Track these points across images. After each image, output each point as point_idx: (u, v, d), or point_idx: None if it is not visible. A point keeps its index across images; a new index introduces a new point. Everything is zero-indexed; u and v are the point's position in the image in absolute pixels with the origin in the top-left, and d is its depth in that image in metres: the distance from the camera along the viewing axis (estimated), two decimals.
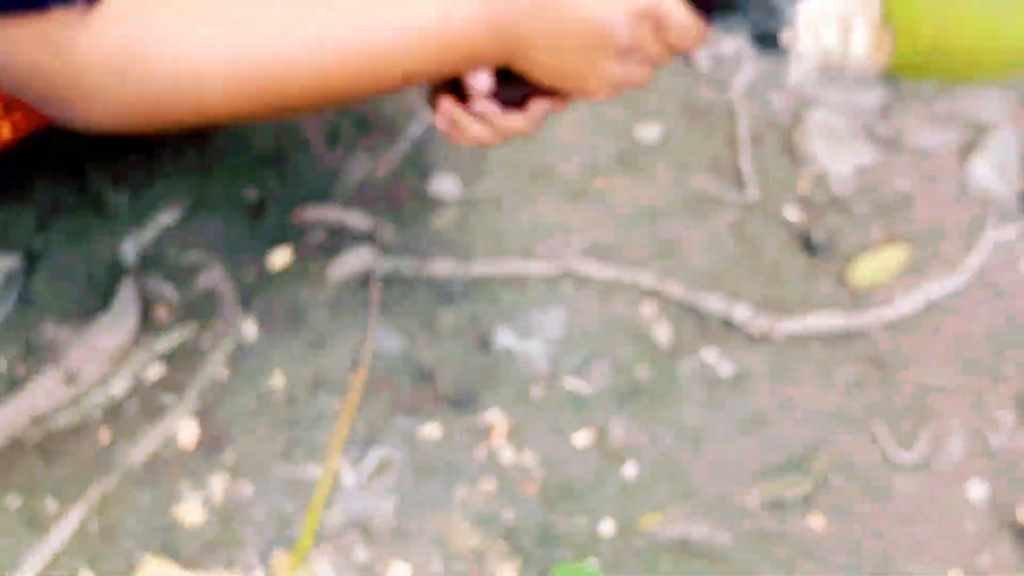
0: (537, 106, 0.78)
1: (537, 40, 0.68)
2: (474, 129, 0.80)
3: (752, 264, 1.21)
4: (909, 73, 0.69)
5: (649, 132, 1.34)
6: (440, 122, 0.82)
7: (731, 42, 1.41)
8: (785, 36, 0.67)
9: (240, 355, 1.10)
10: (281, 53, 0.65)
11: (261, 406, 1.05)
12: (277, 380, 1.08)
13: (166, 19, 0.64)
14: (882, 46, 0.65)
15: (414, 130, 1.31)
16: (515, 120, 0.79)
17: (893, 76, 0.70)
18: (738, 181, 1.30)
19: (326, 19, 0.67)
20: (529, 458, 1.04)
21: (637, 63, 0.70)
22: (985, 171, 1.26)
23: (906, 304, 1.16)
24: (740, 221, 1.26)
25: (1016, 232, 1.23)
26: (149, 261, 1.16)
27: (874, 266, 1.20)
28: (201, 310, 1.13)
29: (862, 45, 0.66)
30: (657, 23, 0.67)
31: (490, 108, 0.78)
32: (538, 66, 0.70)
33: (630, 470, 1.03)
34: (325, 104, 0.71)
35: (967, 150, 1.31)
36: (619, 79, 0.70)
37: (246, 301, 1.14)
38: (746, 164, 1.30)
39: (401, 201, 1.24)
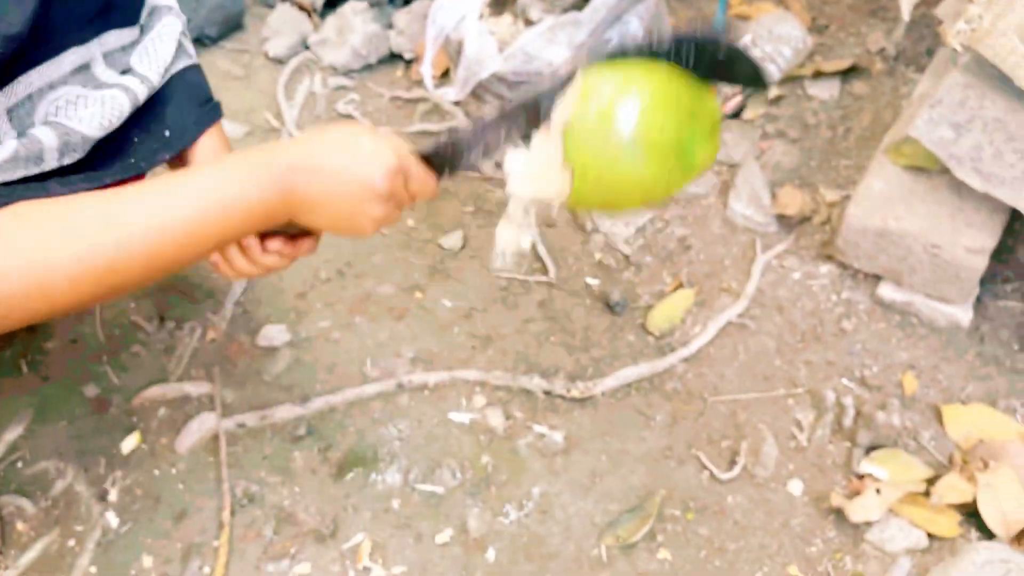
0: (301, 246, 0.96)
1: (315, 198, 0.83)
2: (240, 263, 0.96)
3: (564, 335, 1.33)
4: (581, 207, 0.93)
5: (452, 240, 1.46)
6: (212, 257, 0.97)
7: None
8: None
9: (106, 547, 1.13)
10: (111, 245, 0.76)
11: None
12: (145, 562, 1.12)
13: (12, 229, 0.74)
14: (564, 185, 0.86)
15: (236, 290, 1.40)
16: (272, 257, 0.96)
17: (571, 211, 0.91)
18: (540, 264, 1.43)
19: (139, 209, 0.78)
20: (398, 568, 1.10)
21: (392, 207, 0.87)
22: (741, 205, 1.43)
23: (702, 338, 1.30)
24: (548, 299, 1.38)
25: (782, 251, 1.40)
26: (1, 480, 1.19)
27: (668, 311, 1.33)
28: (61, 515, 1.16)
29: (554, 186, 0.87)
30: (405, 177, 0.87)
31: (254, 245, 0.94)
32: (316, 218, 0.86)
33: (491, 555, 1.11)
34: (157, 276, 0.82)
35: (725, 189, 1.48)
36: (380, 219, 0.87)
37: (103, 494, 1.18)
38: (543, 248, 1.44)
39: (236, 359, 1.32)
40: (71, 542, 1.14)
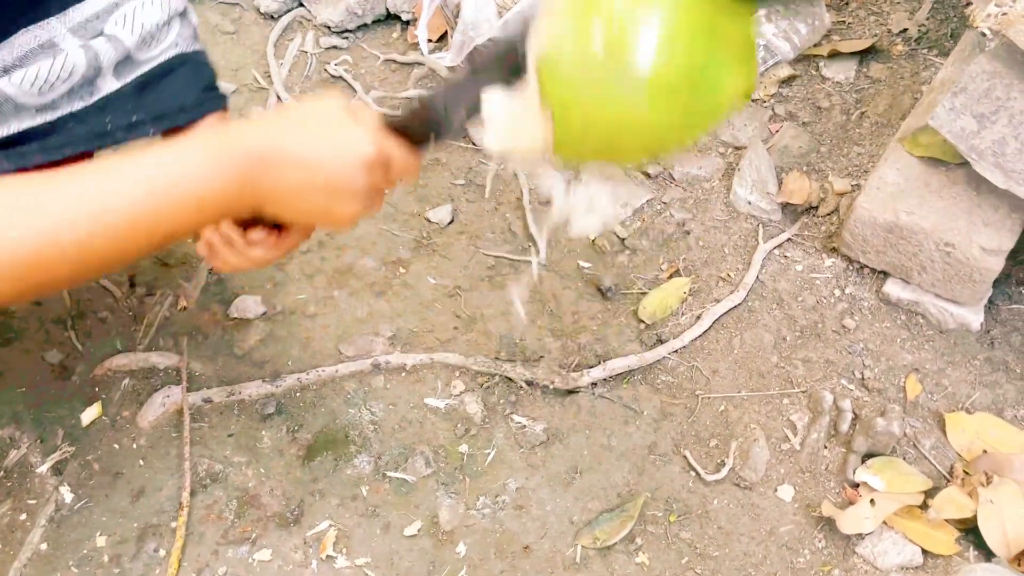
0: (289, 238, 0.86)
1: (283, 192, 0.73)
2: (227, 255, 0.87)
3: (551, 319, 1.26)
4: (573, 155, 0.74)
5: (441, 214, 1.39)
6: (200, 249, 0.89)
7: None
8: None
9: (59, 523, 1.08)
10: (33, 236, 0.65)
11: (83, 572, 1.04)
12: (99, 541, 1.07)
13: None
14: (544, 131, 0.69)
15: None
16: (257, 251, 0.86)
17: (560, 162, 0.76)
18: (531, 243, 1.36)
19: (71, 195, 0.67)
20: (363, 559, 1.05)
21: (372, 198, 0.76)
22: (746, 190, 1.35)
23: (696, 329, 1.23)
24: (537, 281, 1.31)
25: (785, 240, 1.32)
26: None
27: (661, 299, 1.27)
28: (14, 487, 1.11)
29: (531, 134, 0.71)
30: (385, 166, 0.75)
31: (236, 237, 0.85)
32: (285, 211, 0.75)
33: (461, 549, 1.05)
34: (94, 273, 0.72)
35: (730, 173, 1.40)
36: (358, 213, 0.76)
37: (59, 467, 1.12)
38: (534, 226, 1.37)
39: (207, 331, 1.26)
40: (22, 516, 1.09)
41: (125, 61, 0.89)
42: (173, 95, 0.93)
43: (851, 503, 1.07)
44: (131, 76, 0.90)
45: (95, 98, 0.87)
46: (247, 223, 0.86)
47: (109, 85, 0.88)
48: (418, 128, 0.78)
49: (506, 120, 0.72)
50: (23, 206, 0.65)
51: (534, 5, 0.68)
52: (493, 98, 0.72)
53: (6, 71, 0.79)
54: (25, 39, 0.81)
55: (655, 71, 0.63)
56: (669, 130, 0.68)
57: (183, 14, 0.95)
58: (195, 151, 0.69)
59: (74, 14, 0.83)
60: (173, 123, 0.93)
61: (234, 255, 0.87)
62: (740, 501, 1.09)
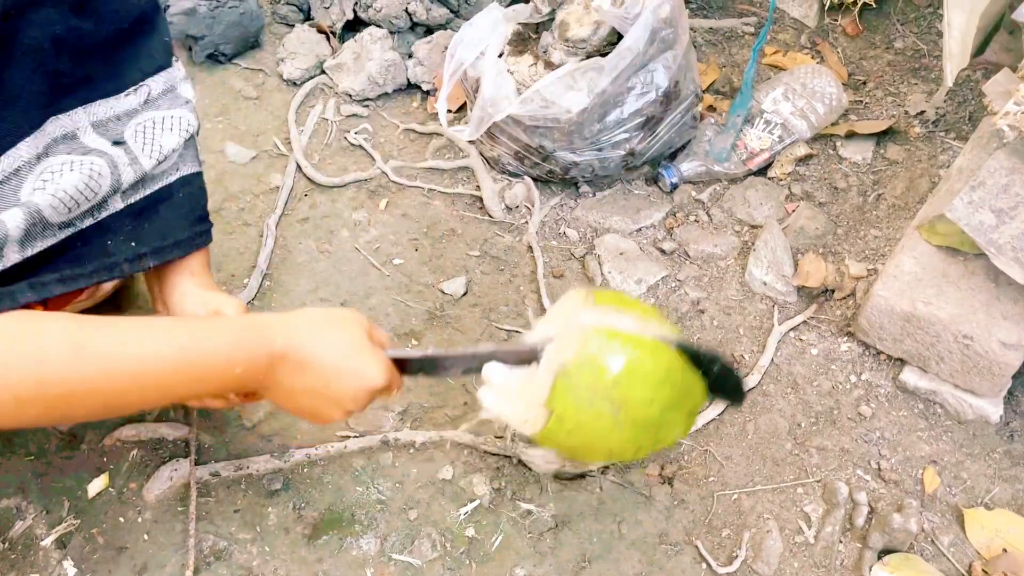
0: (251, 399, 1.05)
1: (293, 390, 0.85)
2: (209, 401, 1.02)
3: None
4: (549, 445, 0.95)
5: (455, 285, 1.39)
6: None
7: (519, 189, 1.49)
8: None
9: None
10: (74, 375, 0.72)
11: None
12: None
13: None
14: (539, 421, 0.90)
15: None
16: (217, 401, 1.03)
17: (538, 443, 0.97)
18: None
19: (115, 346, 0.74)
20: None
21: (360, 411, 0.91)
22: (761, 271, 1.34)
23: (709, 412, 1.22)
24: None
25: (800, 323, 1.31)
26: None
27: None
28: (18, 559, 1.10)
29: (528, 419, 0.91)
30: (385, 392, 0.92)
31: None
32: (285, 403, 0.88)
33: None
34: (109, 415, 0.81)
35: (746, 252, 1.40)
36: (343, 419, 0.91)
37: (63, 540, 1.11)
38: (548, 300, 1.36)
39: None
40: None
41: (137, 182, 0.91)
42: (170, 227, 0.98)
43: None
44: (135, 198, 0.92)
45: (101, 216, 0.89)
46: None
47: (115, 205, 0.90)
48: (416, 367, 0.96)
49: (505, 393, 0.92)
50: (69, 345, 0.72)
51: (557, 330, 0.91)
52: (501, 369, 0.92)
53: (38, 159, 0.81)
54: (52, 127, 0.82)
55: (642, 416, 0.88)
56: (631, 452, 0.95)
57: (195, 134, 0.98)
58: (228, 334, 0.80)
59: (97, 109, 0.85)
60: (168, 258, 0.98)
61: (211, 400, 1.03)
62: None
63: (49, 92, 0.81)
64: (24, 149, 0.79)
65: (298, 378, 0.83)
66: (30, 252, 0.80)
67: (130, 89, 0.90)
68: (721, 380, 0.95)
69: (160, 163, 0.92)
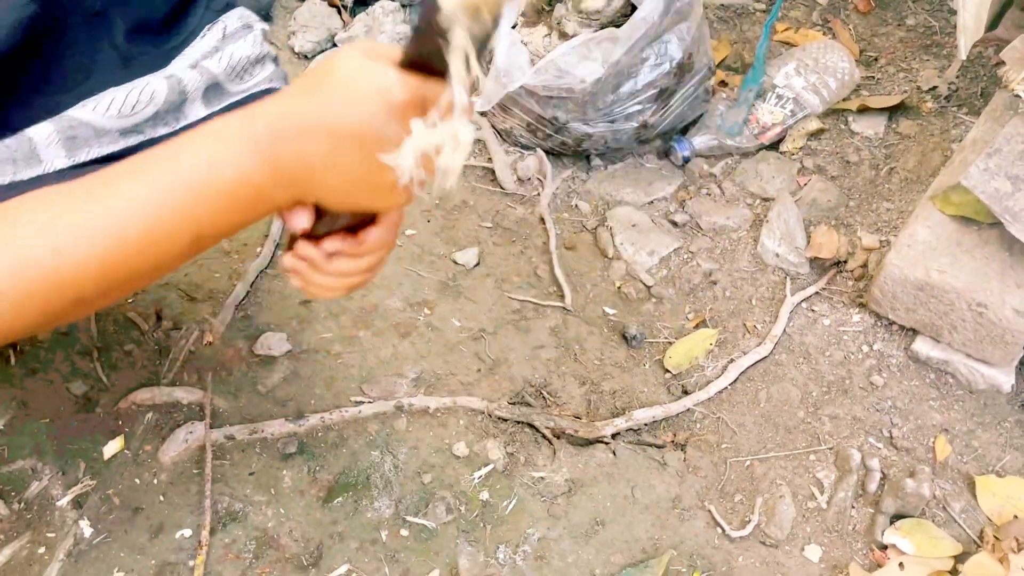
0: (367, 238, 0.74)
1: (313, 168, 0.63)
2: (315, 278, 0.77)
3: (576, 365, 1.26)
4: None
5: (467, 256, 1.39)
6: (293, 282, 0.80)
7: (531, 161, 1.49)
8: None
9: (77, 557, 1.07)
10: (48, 255, 0.60)
11: None
12: None
13: None
14: None
15: (239, 292, 1.34)
16: (341, 263, 0.76)
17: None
18: (556, 288, 1.36)
19: (84, 205, 0.61)
20: None
21: (416, 161, 0.61)
22: (774, 243, 1.35)
23: (722, 380, 1.22)
24: (561, 325, 1.31)
25: (812, 294, 1.32)
26: None
27: (687, 349, 1.26)
28: (34, 519, 1.11)
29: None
30: (420, 105, 0.61)
31: (311, 252, 0.75)
32: (328, 191, 0.65)
33: None
34: (123, 290, 0.66)
35: (758, 224, 1.40)
36: (404, 178, 0.62)
37: (79, 500, 1.12)
38: (560, 271, 1.37)
39: (232, 366, 1.26)
40: (41, 549, 1.08)
41: (214, 89, 0.87)
42: None
43: (879, 566, 1.05)
44: (220, 104, 0.87)
45: (180, 124, 0.85)
46: (320, 236, 0.74)
47: (196, 111, 0.85)
48: (435, 52, 0.60)
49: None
50: (37, 222, 0.61)
51: None
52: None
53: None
54: None
55: None
56: None
57: (275, 59, 0.95)
58: (208, 141, 0.62)
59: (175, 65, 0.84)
60: None
61: (322, 276, 0.77)
62: (765, 559, 1.08)
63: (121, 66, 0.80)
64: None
65: (308, 151, 0.61)
66: (84, 157, 0.77)
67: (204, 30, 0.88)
68: None
69: (236, 71, 0.88)
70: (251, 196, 0.63)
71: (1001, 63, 1.18)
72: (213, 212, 0.63)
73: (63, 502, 1.12)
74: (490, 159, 1.51)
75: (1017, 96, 1.03)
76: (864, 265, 1.31)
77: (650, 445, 1.17)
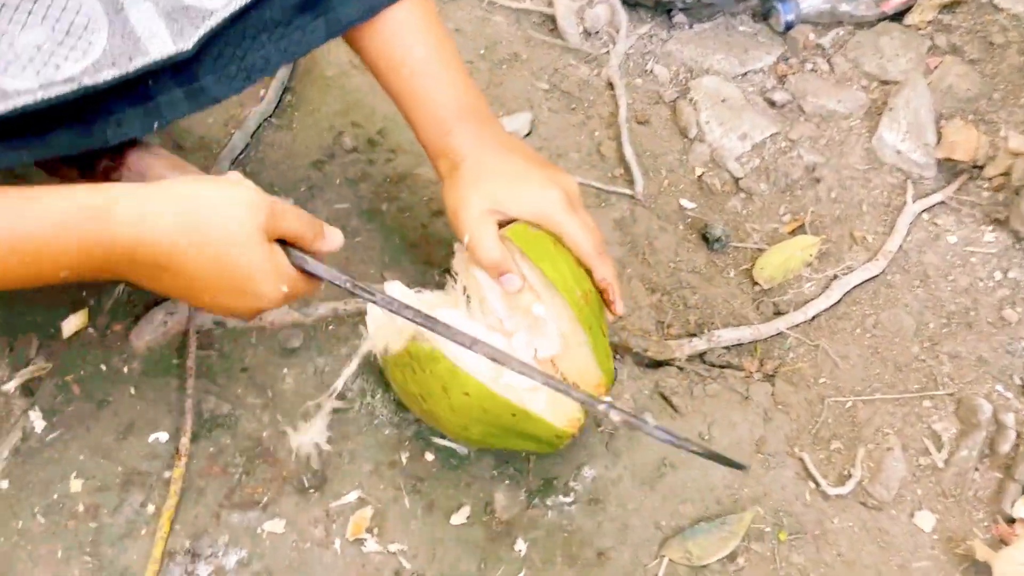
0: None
1: (157, 287, 0.69)
2: None
3: (644, 268, 1.03)
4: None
5: (517, 123, 1.15)
6: None
7: (602, 10, 1.22)
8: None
9: (26, 457, 0.87)
10: None
11: (52, 522, 0.84)
12: (74, 485, 0.86)
13: None
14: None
15: (236, 142, 1.10)
16: None
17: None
18: (624, 170, 1.12)
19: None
20: (396, 545, 0.85)
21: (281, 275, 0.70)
22: (896, 136, 1.10)
23: (822, 300, 1.01)
24: (628, 217, 1.08)
25: (937, 203, 1.09)
26: None
27: (782, 259, 1.04)
28: None
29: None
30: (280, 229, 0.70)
31: None
32: (197, 301, 0.71)
33: (520, 546, 0.85)
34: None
35: (875, 112, 1.15)
36: (281, 297, 0.71)
37: (30, 387, 0.91)
38: (630, 150, 1.12)
39: None
40: None
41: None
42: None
43: (1004, 543, 0.86)
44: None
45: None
46: None
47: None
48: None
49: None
50: None
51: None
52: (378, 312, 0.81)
53: None
54: None
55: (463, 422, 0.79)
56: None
57: None
58: (57, 214, 0.63)
59: None
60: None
61: None
62: (866, 524, 0.88)
63: None
64: None
65: (159, 280, 0.67)
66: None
67: None
68: None
69: None
70: (88, 273, 0.66)
71: None
72: (50, 272, 0.65)
73: (9, 386, 0.92)
74: (551, 2, 1.24)
75: None
76: (1006, 173, 1.07)
77: (734, 369, 0.96)
